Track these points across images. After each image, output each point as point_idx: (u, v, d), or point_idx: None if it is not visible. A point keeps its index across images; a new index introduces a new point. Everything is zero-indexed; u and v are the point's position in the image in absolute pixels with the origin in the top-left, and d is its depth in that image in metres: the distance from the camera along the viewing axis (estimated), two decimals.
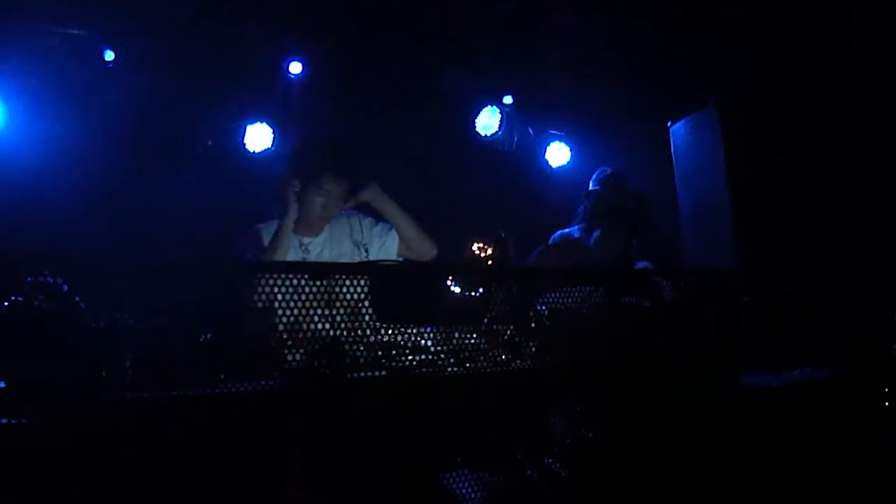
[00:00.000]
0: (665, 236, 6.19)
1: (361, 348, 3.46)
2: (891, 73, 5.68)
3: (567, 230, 5.86)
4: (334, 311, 3.42)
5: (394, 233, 4.94)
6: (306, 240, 4.86)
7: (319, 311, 3.34)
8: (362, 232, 4.96)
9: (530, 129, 7.80)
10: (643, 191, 5.77)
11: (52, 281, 2.97)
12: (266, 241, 4.75)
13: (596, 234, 5.71)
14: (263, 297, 3.24)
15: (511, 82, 7.48)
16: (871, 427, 4.77)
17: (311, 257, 4.80)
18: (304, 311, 3.27)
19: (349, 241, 4.92)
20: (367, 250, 4.92)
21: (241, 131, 6.78)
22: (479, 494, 3.53)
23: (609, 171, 6.03)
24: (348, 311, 3.47)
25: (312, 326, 3.31)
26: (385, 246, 4.95)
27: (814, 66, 5.88)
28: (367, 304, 3.61)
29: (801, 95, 5.69)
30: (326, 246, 4.87)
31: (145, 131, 6.38)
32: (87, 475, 2.74)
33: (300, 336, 3.36)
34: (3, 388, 2.77)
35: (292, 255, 4.75)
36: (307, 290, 3.29)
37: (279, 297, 3.25)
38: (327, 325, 3.34)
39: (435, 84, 7.10)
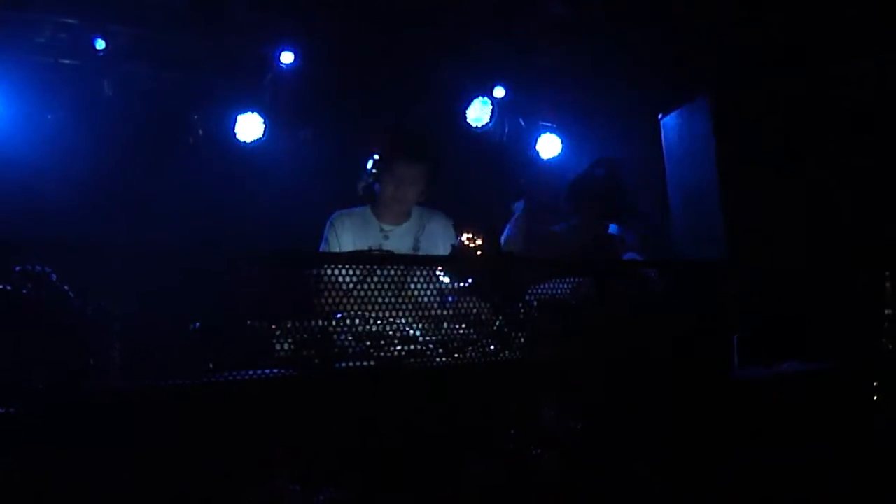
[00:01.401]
0: (655, 226, 6.20)
1: (350, 338, 3.47)
2: (882, 66, 5.69)
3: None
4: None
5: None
6: (387, 227, 4.99)
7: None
8: (424, 229, 5.06)
9: (521, 121, 7.80)
10: (615, 173, 5.80)
11: (40, 270, 2.97)
12: (345, 227, 4.88)
13: (570, 222, 5.73)
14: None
15: (502, 74, 7.47)
16: (860, 421, 4.79)
17: (389, 244, 4.92)
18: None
19: (413, 237, 5.02)
20: (418, 244, 5.02)
21: (232, 121, 6.76)
22: (467, 484, 3.54)
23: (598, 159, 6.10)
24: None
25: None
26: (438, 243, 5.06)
27: (805, 58, 5.89)
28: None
29: (791, 88, 5.69)
30: (406, 236, 4.99)
31: (136, 120, 6.36)
32: (75, 463, 2.75)
33: (289, 325, 3.38)
34: None
35: (371, 240, 4.88)
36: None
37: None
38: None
39: (426, 75, 7.09)
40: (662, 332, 4.28)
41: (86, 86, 6.25)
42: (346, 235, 4.87)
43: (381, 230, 4.96)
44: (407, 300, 3.62)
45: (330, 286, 3.41)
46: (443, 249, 4.99)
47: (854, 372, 4.89)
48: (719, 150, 5.33)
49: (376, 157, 4.92)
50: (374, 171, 4.92)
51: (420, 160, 4.91)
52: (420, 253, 4.93)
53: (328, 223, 4.95)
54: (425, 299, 3.68)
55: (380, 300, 3.50)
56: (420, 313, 3.67)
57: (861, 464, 4.56)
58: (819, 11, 5.90)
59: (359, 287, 3.45)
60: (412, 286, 3.65)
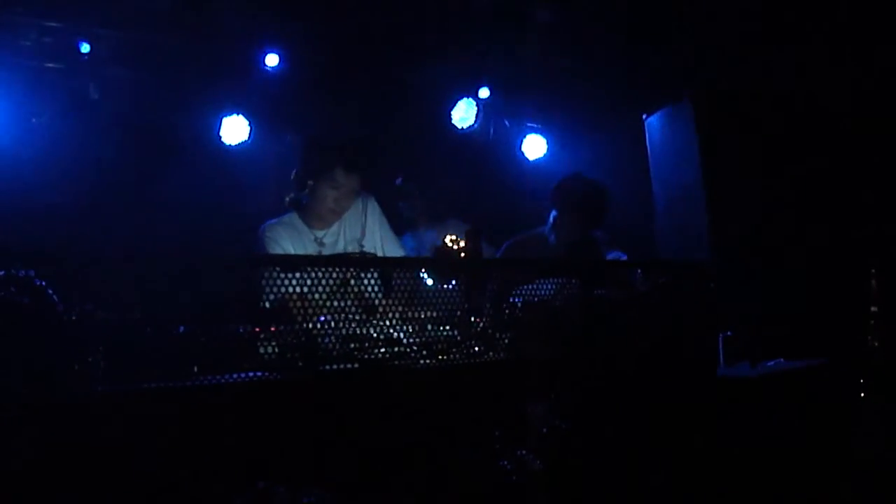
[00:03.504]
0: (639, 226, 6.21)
1: (334, 341, 3.47)
2: (867, 66, 5.72)
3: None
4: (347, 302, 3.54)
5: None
6: (320, 233, 4.98)
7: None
8: (366, 216, 5.08)
9: (507, 122, 7.80)
10: (605, 186, 5.80)
11: (24, 274, 2.97)
12: (274, 239, 4.86)
13: (552, 216, 5.72)
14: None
15: (488, 75, 7.47)
16: (847, 418, 4.80)
17: (326, 249, 4.93)
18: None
19: (360, 224, 5.04)
20: (363, 233, 5.04)
21: (217, 124, 6.75)
22: (453, 485, 3.55)
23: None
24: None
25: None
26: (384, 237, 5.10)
27: (788, 59, 5.91)
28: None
29: (775, 88, 5.72)
30: (340, 234, 5.00)
31: (120, 124, 6.34)
32: (58, 468, 2.75)
33: (273, 329, 3.38)
34: None
35: (309, 249, 4.89)
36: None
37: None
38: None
39: (411, 76, 7.10)
40: (648, 331, 4.29)
41: (71, 89, 6.24)
42: (286, 243, 4.87)
43: (315, 238, 4.96)
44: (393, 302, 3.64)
45: (313, 290, 3.42)
46: (376, 230, 5.07)
47: (841, 370, 4.91)
48: (703, 151, 5.35)
49: (313, 167, 4.93)
50: (310, 181, 4.91)
51: (357, 169, 4.93)
52: (366, 247, 5.00)
53: (261, 235, 4.92)
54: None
55: (361, 303, 3.51)
56: (404, 315, 3.69)
57: (848, 461, 4.59)
58: (804, 12, 5.92)
59: (340, 290, 3.46)
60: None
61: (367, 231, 5.03)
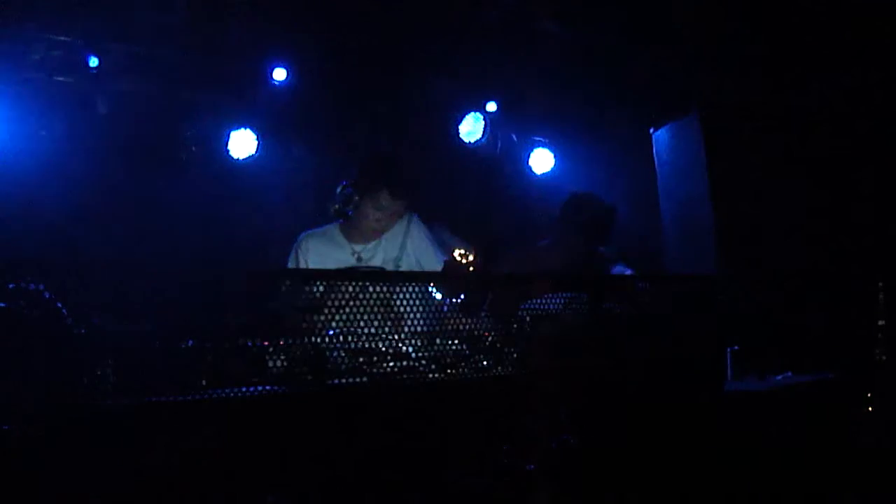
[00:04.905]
0: (646, 240, 6.22)
1: (343, 355, 3.47)
2: (870, 80, 5.72)
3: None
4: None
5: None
6: (358, 247, 4.91)
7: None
8: (406, 238, 4.99)
9: (514, 136, 7.81)
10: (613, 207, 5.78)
11: (33, 287, 2.97)
12: (302, 251, 4.84)
13: (557, 230, 5.72)
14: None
15: (495, 89, 7.49)
16: (855, 432, 4.80)
17: (364, 265, 4.87)
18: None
19: (399, 244, 4.96)
20: (401, 253, 4.96)
21: (226, 137, 6.77)
22: (462, 500, 3.54)
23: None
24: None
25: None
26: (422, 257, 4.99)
27: (795, 73, 5.92)
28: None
29: (781, 102, 5.72)
30: (379, 251, 4.92)
31: (129, 137, 6.36)
32: (67, 481, 2.75)
33: (282, 342, 3.38)
34: None
35: (346, 263, 4.81)
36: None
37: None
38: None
39: (419, 91, 7.11)
40: (655, 345, 4.29)
41: (79, 103, 6.26)
42: (312, 257, 4.83)
43: (353, 252, 4.89)
44: (395, 317, 3.63)
45: (320, 303, 3.43)
46: (415, 251, 4.97)
47: (848, 383, 4.90)
48: (710, 164, 5.37)
49: (360, 184, 4.85)
50: (355, 197, 4.85)
51: (403, 195, 4.85)
52: (402, 266, 4.90)
53: (296, 243, 4.89)
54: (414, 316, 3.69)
55: (370, 317, 3.50)
56: (412, 329, 3.68)
57: (856, 475, 4.58)
58: (809, 27, 5.93)
59: (350, 304, 3.46)
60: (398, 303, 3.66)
61: (405, 252, 4.93)
